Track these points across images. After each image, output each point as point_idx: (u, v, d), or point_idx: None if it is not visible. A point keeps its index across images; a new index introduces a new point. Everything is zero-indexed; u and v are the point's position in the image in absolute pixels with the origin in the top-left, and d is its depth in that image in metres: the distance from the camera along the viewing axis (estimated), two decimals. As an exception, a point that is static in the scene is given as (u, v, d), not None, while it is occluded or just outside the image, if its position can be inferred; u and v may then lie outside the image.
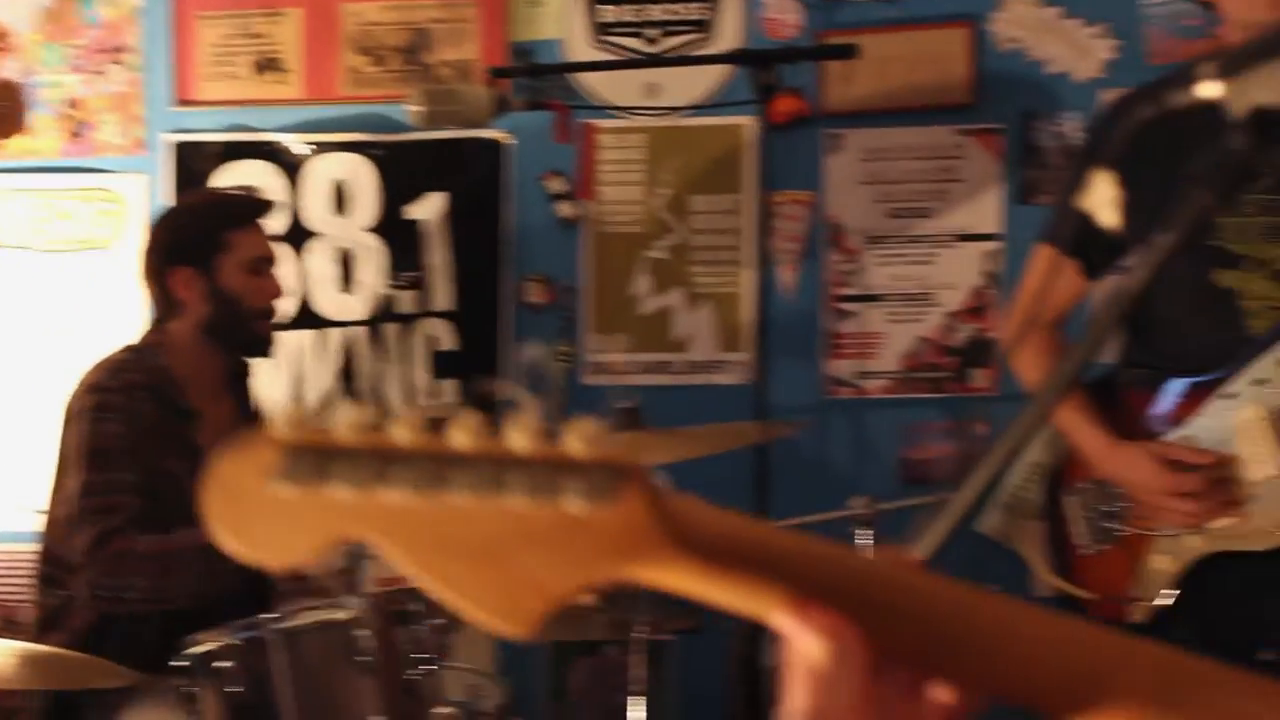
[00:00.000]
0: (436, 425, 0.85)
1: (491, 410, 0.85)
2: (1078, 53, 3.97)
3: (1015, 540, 3.59)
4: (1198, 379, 3.05)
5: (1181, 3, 3.89)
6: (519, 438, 0.82)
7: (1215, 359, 3.00)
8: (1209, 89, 1.21)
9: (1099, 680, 0.89)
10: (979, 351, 4.04)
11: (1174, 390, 3.07)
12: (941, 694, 0.92)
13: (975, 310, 4.05)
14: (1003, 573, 3.07)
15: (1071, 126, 3.97)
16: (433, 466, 0.82)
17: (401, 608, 3.33)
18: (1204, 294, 3.00)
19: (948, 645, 0.89)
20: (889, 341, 4.08)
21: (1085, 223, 3.06)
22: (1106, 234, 3.06)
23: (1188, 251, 3.02)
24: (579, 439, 0.82)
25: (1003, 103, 4.01)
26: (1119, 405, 3.15)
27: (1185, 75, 1.22)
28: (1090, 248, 3.10)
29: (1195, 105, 1.23)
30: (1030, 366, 3.25)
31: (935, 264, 4.05)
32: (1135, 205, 2.94)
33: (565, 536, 0.83)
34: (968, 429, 4.06)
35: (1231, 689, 0.91)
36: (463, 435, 0.82)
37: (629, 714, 3.45)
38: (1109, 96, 3.91)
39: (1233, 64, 1.20)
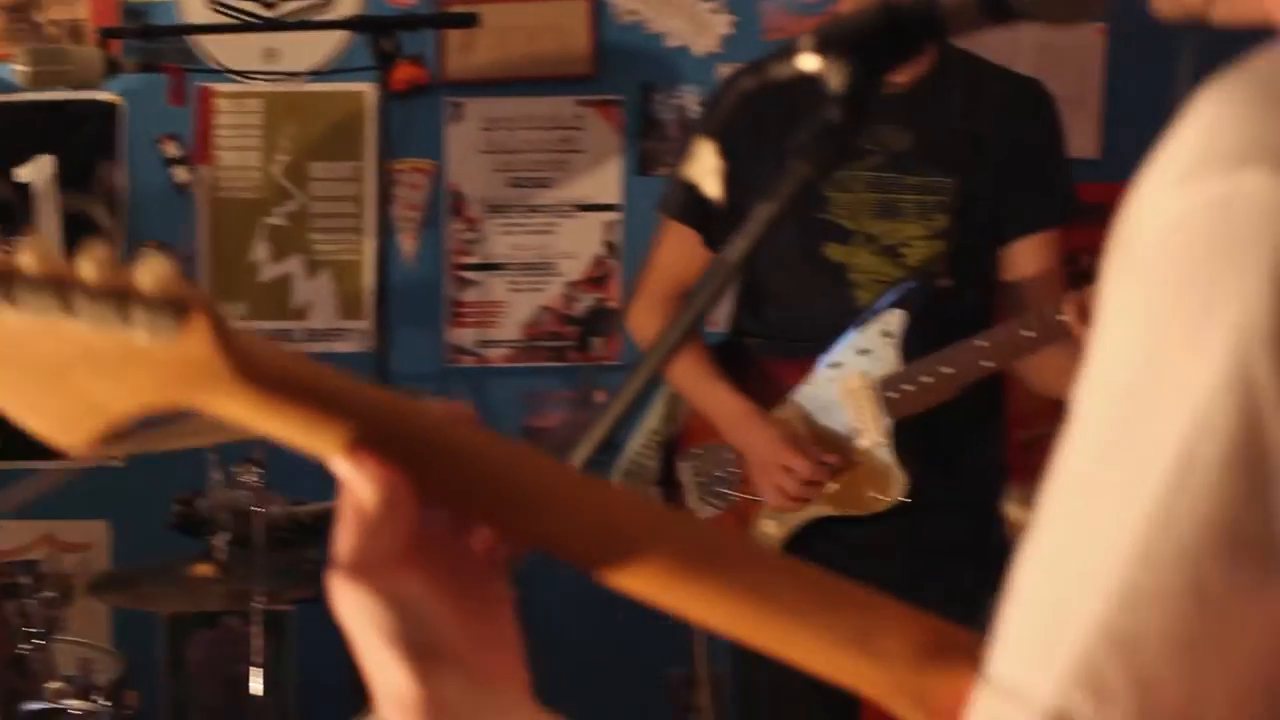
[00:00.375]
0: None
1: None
2: (696, 27, 4.04)
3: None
4: (798, 346, 3.14)
5: (794, -19, 3.99)
6: (90, 267, 0.85)
7: (824, 330, 3.10)
8: (808, 61, 1.24)
9: (630, 542, 0.95)
10: (600, 320, 4.09)
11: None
12: (484, 538, 0.98)
13: (596, 280, 4.09)
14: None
15: (690, 99, 4.04)
16: (3, 287, 0.85)
17: (10, 580, 3.23)
18: (815, 267, 3.08)
19: (492, 495, 0.94)
20: (510, 310, 4.10)
21: (695, 193, 3.11)
22: (714, 205, 3.11)
23: (799, 225, 3.12)
24: (148, 274, 0.85)
25: (623, 75, 4.05)
26: (758, 372, 3.21)
27: (789, 48, 1.25)
28: (706, 218, 3.16)
29: (797, 78, 1.26)
30: (651, 333, 3.28)
31: (556, 234, 4.08)
32: (737, 176, 2.99)
33: (128, 364, 0.86)
34: (589, 397, 4.10)
35: (765, 568, 0.98)
36: (33, 259, 0.85)
37: (249, 685, 3.40)
38: (726, 71, 4.00)
39: (830, 38, 1.23)
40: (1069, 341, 2.83)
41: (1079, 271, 3.96)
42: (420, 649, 0.92)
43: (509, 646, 0.98)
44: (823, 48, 1.23)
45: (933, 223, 3.07)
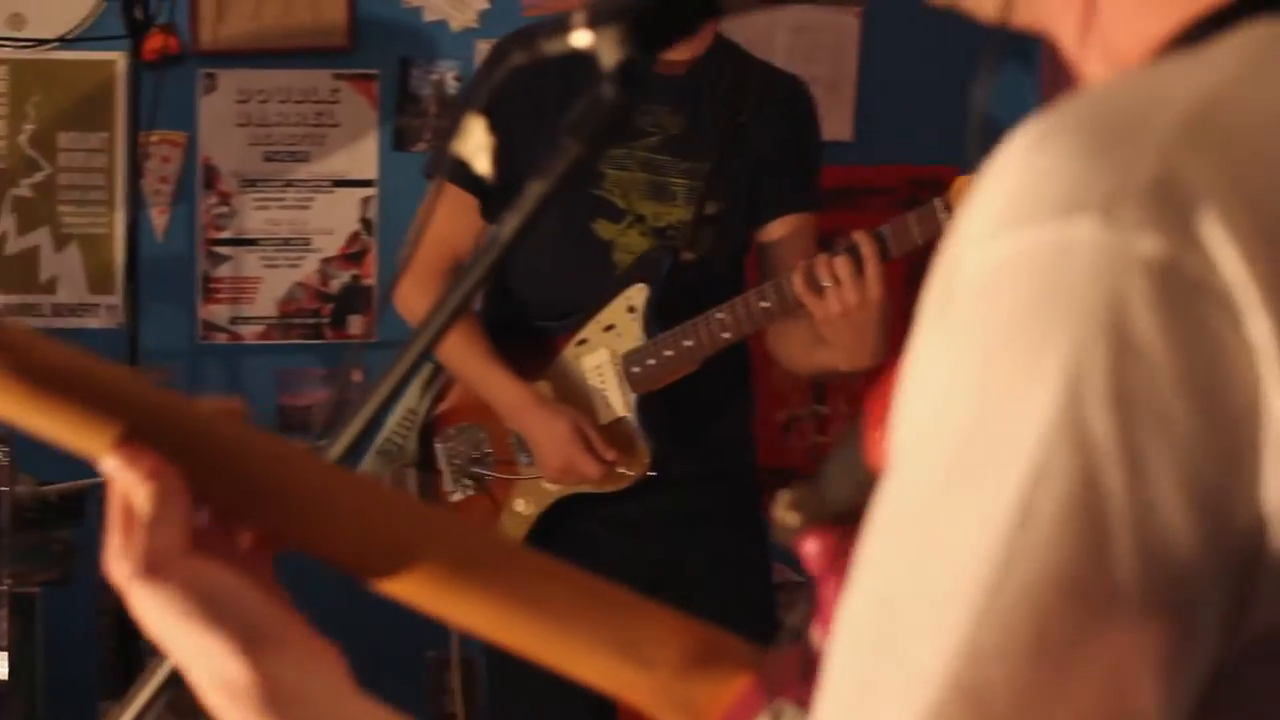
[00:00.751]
0: None
1: None
2: (455, 2, 4.01)
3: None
4: (549, 324, 3.15)
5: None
6: None
7: (579, 308, 3.10)
8: (580, 38, 1.23)
9: (396, 550, 0.95)
10: (356, 298, 4.05)
11: None
12: (249, 537, 0.97)
13: (352, 256, 4.04)
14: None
15: (448, 74, 4.02)
16: None
17: None
18: (582, 244, 3.08)
19: (259, 495, 0.94)
20: (265, 287, 4.03)
21: (467, 167, 3.09)
22: (487, 180, 3.09)
23: (571, 200, 3.11)
24: None
25: (380, 49, 4.01)
26: (507, 351, 3.18)
27: (562, 22, 1.24)
28: (482, 185, 3.12)
29: (570, 54, 1.25)
30: (422, 308, 3.20)
31: (311, 209, 4.03)
32: (513, 151, 2.98)
33: None
34: (345, 375, 4.06)
35: (533, 574, 0.98)
36: None
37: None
38: (484, 46, 3.98)
39: (602, 14, 1.22)
40: (808, 316, 2.88)
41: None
42: (244, 632, 0.91)
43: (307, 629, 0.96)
44: (596, 23, 1.23)
45: (701, 209, 3.10)
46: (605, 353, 3.08)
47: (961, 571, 0.78)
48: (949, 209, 2.74)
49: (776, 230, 3.14)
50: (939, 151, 3.97)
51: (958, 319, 0.81)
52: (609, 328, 3.09)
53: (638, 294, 3.05)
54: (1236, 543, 0.78)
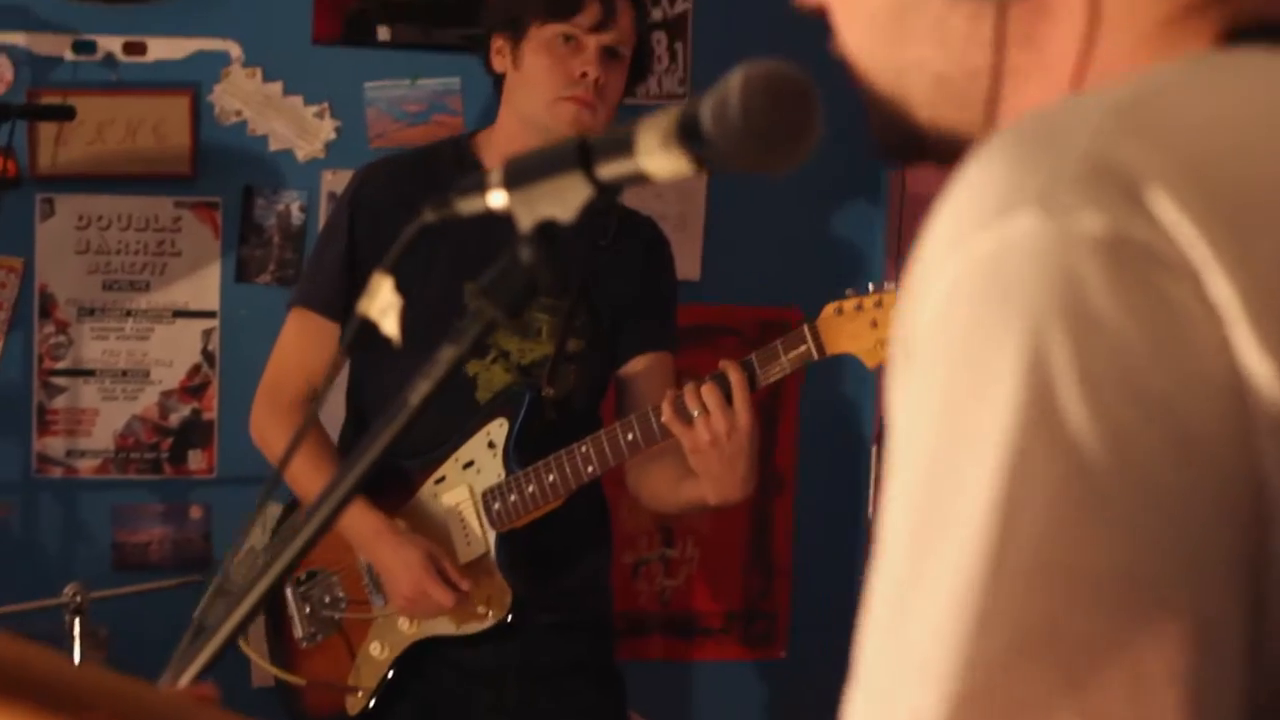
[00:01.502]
0: None
1: None
2: (300, 131, 3.97)
3: (236, 628, 3.53)
4: (405, 462, 3.10)
5: (402, 88, 3.96)
6: None
7: (440, 443, 3.07)
8: (496, 199, 1.22)
9: None
10: (196, 432, 3.95)
11: None
12: None
13: (192, 390, 3.95)
14: (224, 663, 2.99)
15: (294, 205, 3.96)
16: None
17: None
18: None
19: None
20: (102, 419, 3.91)
21: (337, 284, 3.07)
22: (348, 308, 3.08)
23: (435, 338, 3.07)
24: None
25: (224, 177, 3.94)
26: (393, 482, 3.14)
27: (477, 183, 1.23)
28: (349, 312, 3.08)
29: (483, 214, 1.24)
30: (280, 441, 3.15)
31: (151, 340, 3.93)
32: (414, 309, 2.96)
33: None
34: (184, 512, 3.96)
35: None
36: None
37: None
38: (330, 177, 3.93)
39: (518, 175, 1.21)
40: (674, 451, 2.87)
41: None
42: None
43: None
44: (512, 185, 1.21)
45: (562, 345, 3.09)
46: (464, 490, 3.05)
47: (954, 582, 0.75)
48: (817, 336, 2.76)
49: (636, 367, 3.15)
50: (786, 292, 4.01)
51: (920, 351, 0.79)
52: (468, 464, 3.05)
53: (498, 430, 3.02)
54: (1242, 516, 0.75)
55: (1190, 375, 0.74)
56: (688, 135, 1.13)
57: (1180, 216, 0.75)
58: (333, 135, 3.97)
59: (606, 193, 1.20)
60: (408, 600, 3.03)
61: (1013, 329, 0.75)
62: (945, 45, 0.96)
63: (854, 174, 4.15)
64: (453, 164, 3.08)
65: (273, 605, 3.25)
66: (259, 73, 3.93)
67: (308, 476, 3.05)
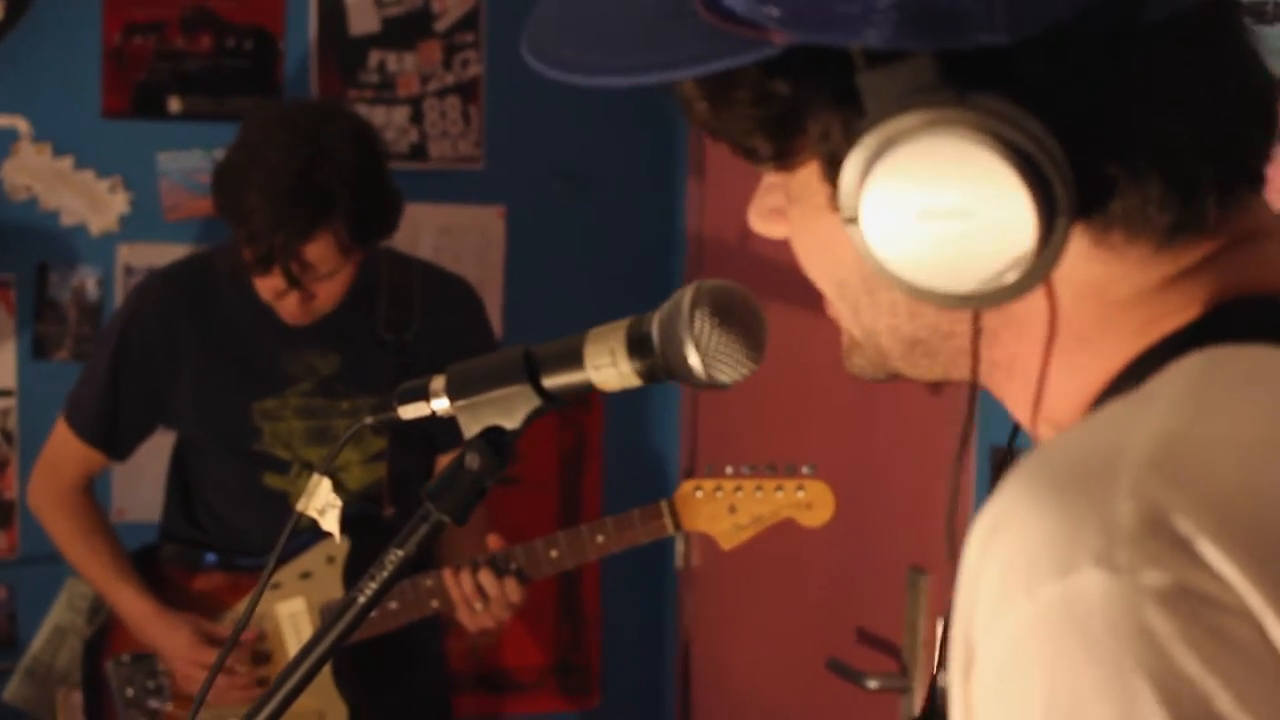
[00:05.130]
0: None
1: None
2: (93, 205, 3.93)
3: (45, 710, 3.47)
4: (232, 559, 3.09)
5: (195, 158, 3.94)
6: None
7: (264, 550, 3.05)
8: (439, 405, 1.26)
9: None
10: (-3, 513, 3.89)
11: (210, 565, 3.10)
12: None
13: (-9, 470, 3.89)
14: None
15: (89, 280, 3.92)
16: None
17: None
18: (256, 495, 3.05)
19: None
20: (-101, 505, 3.84)
21: (106, 415, 3.11)
22: (124, 425, 3.11)
23: (237, 458, 3.06)
24: None
25: (16, 254, 3.89)
26: (161, 578, 3.14)
27: (420, 388, 1.27)
28: (114, 440, 3.12)
29: (426, 418, 1.28)
30: (60, 527, 3.20)
31: (-53, 421, 3.87)
32: (143, 396, 3.02)
33: None
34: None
35: None
36: None
37: None
38: (126, 251, 3.90)
39: (462, 385, 1.25)
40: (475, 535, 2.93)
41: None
42: None
43: None
44: (455, 393, 1.25)
45: (368, 447, 3.09)
46: (301, 601, 3.03)
47: None
48: (675, 514, 2.83)
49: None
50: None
51: (984, 706, 0.83)
52: (305, 575, 3.04)
53: (337, 547, 3.01)
54: None
55: (1273, 715, 0.78)
56: (637, 351, 1.20)
57: (1232, 567, 0.79)
58: (126, 209, 3.94)
59: (553, 402, 1.23)
60: (185, 679, 3.02)
61: (1098, 681, 0.78)
62: (916, 318, 0.98)
63: (648, 251, 4.22)
64: (227, 276, 3.07)
65: (93, 682, 3.20)
66: (48, 148, 3.89)
67: (86, 560, 3.16)
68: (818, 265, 1.01)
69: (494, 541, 2.89)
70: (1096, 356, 0.95)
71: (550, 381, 1.23)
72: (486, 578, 2.84)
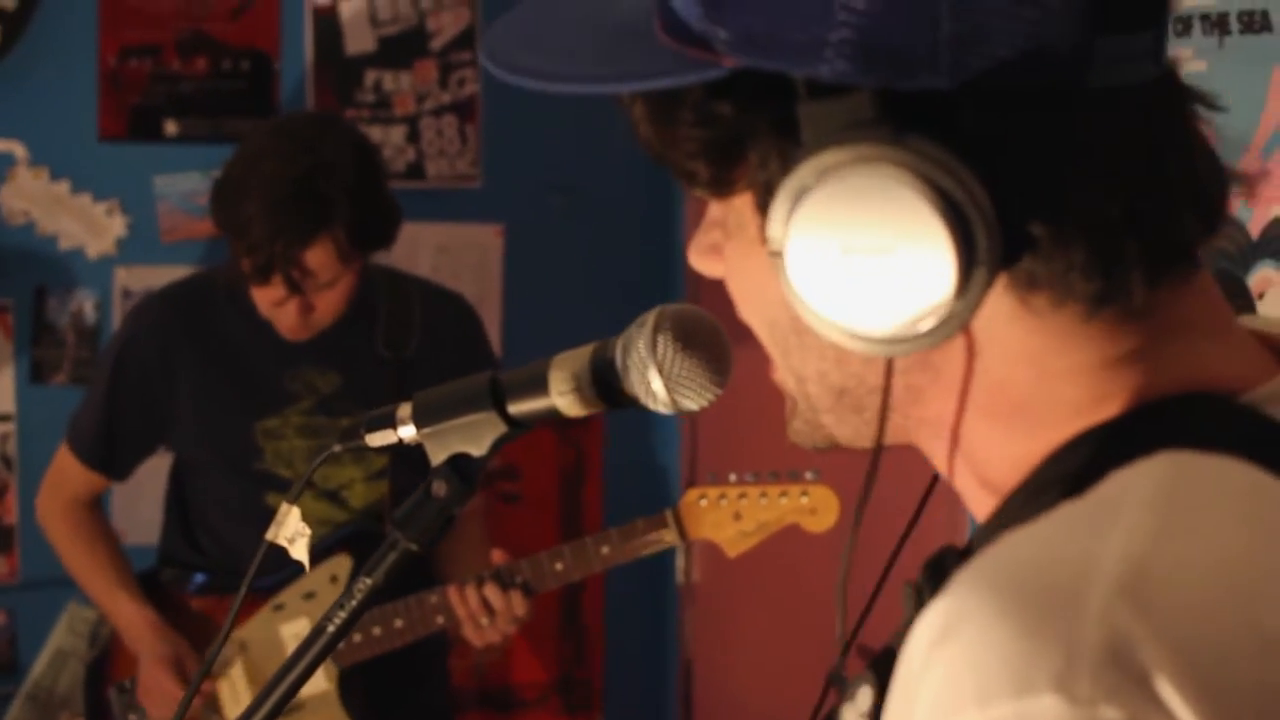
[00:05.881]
0: None
1: None
2: (90, 229, 3.94)
3: (47, 735, 3.47)
4: (223, 579, 3.09)
5: (192, 181, 3.95)
6: None
7: (267, 571, 3.04)
8: (406, 433, 1.26)
9: None
10: (-2, 537, 3.89)
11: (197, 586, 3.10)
12: None
13: (-9, 495, 3.90)
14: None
15: (87, 303, 3.93)
16: None
17: None
18: (256, 515, 3.04)
19: None
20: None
21: (105, 439, 3.12)
22: (123, 448, 3.12)
23: (239, 478, 3.06)
24: None
25: (13, 278, 3.90)
26: (160, 602, 3.13)
27: (388, 417, 1.27)
28: (112, 462, 3.13)
29: (392, 444, 1.28)
30: (63, 537, 3.20)
31: (-52, 446, 3.87)
32: (147, 416, 3.03)
33: None
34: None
35: None
36: None
37: None
38: (124, 274, 3.91)
39: (428, 413, 1.25)
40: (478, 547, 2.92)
41: (487, 473, 4.07)
42: None
43: None
44: (422, 420, 1.26)
45: (370, 464, 3.09)
46: (305, 621, 3.02)
47: None
48: (680, 522, 2.84)
49: None
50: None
51: None
52: (309, 595, 3.04)
53: (340, 565, 3.01)
54: None
55: None
56: (601, 377, 1.20)
57: (1186, 708, 0.78)
58: (124, 232, 3.95)
59: (520, 428, 1.24)
60: (145, 691, 3.02)
61: None
62: (842, 364, 0.97)
63: (646, 269, 4.23)
64: (225, 295, 3.08)
65: (96, 707, 3.20)
66: (45, 172, 3.90)
67: (86, 569, 3.16)
68: (749, 303, 1.01)
69: (498, 556, 2.90)
70: (1037, 425, 0.95)
71: (516, 408, 1.23)
72: (492, 592, 2.84)
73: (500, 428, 1.23)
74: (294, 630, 3.03)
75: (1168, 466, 0.89)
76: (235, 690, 3.04)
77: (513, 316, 4.14)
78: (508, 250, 4.14)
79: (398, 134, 4.04)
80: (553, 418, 1.23)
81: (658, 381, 1.17)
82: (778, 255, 0.92)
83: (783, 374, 1.03)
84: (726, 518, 2.82)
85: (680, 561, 4.20)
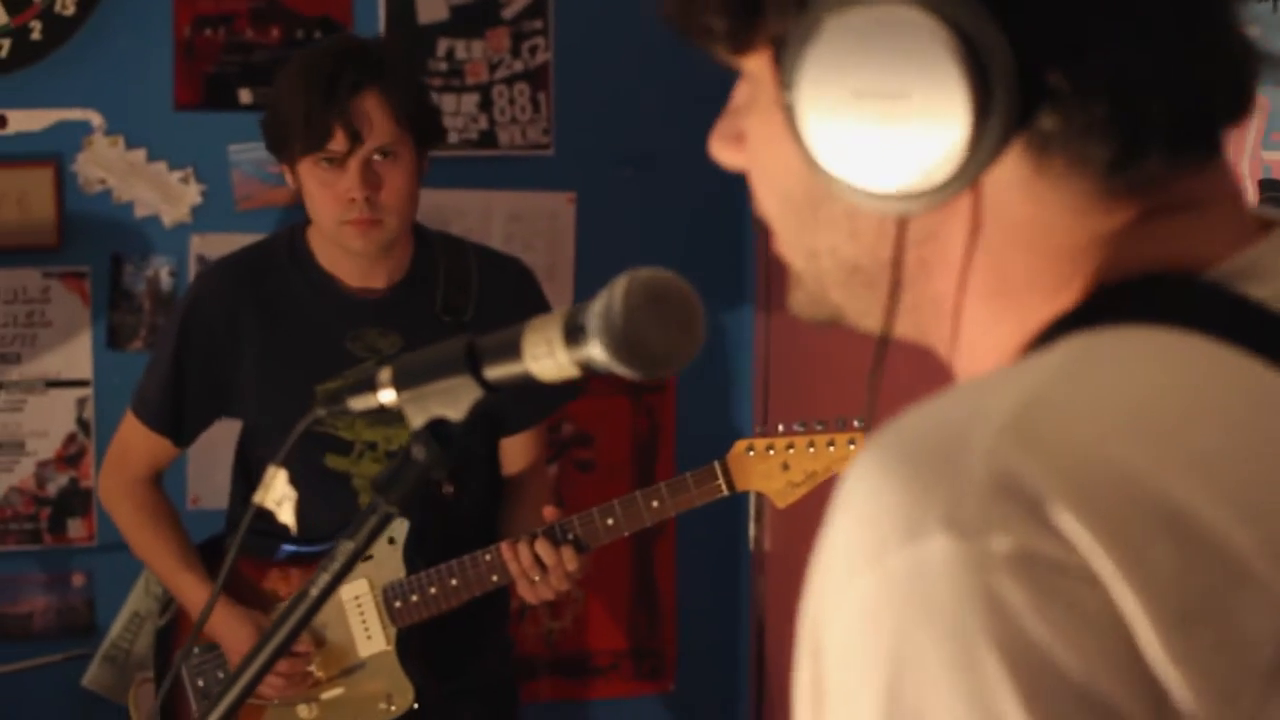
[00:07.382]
0: None
1: None
2: (165, 196, 3.97)
3: (123, 695, 3.51)
4: (306, 549, 3.10)
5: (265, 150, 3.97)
6: None
7: (327, 535, 3.05)
8: (386, 396, 1.26)
9: None
10: (74, 501, 3.93)
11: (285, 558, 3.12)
12: None
13: (69, 459, 3.93)
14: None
15: (163, 270, 3.96)
16: None
17: None
18: (318, 477, 3.06)
19: None
20: (-23, 493, 3.89)
21: (170, 403, 3.13)
22: (189, 412, 3.14)
23: (299, 440, 3.07)
24: None
25: (91, 245, 3.93)
26: (255, 573, 3.15)
27: (369, 381, 1.27)
28: (179, 426, 3.15)
29: (374, 409, 1.28)
30: (127, 517, 3.22)
31: (25, 411, 3.91)
32: (209, 382, 3.05)
33: None
34: (66, 580, 3.93)
35: None
36: None
37: None
38: (199, 241, 3.94)
39: (407, 376, 1.25)
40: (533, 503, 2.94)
41: (561, 440, 4.08)
42: None
43: None
44: (401, 385, 1.26)
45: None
46: (364, 583, 3.03)
47: None
48: (728, 473, 2.83)
49: (514, 446, 3.21)
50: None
51: (836, 675, 0.82)
52: (367, 557, 3.06)
53: (398, 526, 3.03)
54: None
55: (1118, 683, 0.77)
56: (573, 341, 1.19)
57: (1082, 531, 0.77)
58: (198, 200, 3.98)
59: (496, 391, 1.23)
60: (239, 657, 3.04)
61: (944, 651, 0.77)
62: (856, 237, 0.95)
63: (717, 236, 4.22)
64: (287, 258, 3.11)
65: (161, 670, 3.23)
66: (121, 140, 3.93)
67: (151, 550, 3.19)
68: (765, 179, 0.99)
69: (549, 513, 2.90)
70: (1019, 309, 0.93)
71: (491, 373, 1.24)
72: (543, 548, 2.85)
73: (476, 392, 1.24)
74: (353, 592, 3.05)
75: (1084, 338, 0.87)
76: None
77: (584, 283, 4.14)
78: (579, 217, 4.14)
79: (470, 102, 4.04)
80: (529, 382, 1.23)
81: (628, 344, 1.17)
82: (790, 111, 0.90)
83: (792, 250, 1.00)
84: (775, 468, 2.81)
85: (752, 530, 4.21)
